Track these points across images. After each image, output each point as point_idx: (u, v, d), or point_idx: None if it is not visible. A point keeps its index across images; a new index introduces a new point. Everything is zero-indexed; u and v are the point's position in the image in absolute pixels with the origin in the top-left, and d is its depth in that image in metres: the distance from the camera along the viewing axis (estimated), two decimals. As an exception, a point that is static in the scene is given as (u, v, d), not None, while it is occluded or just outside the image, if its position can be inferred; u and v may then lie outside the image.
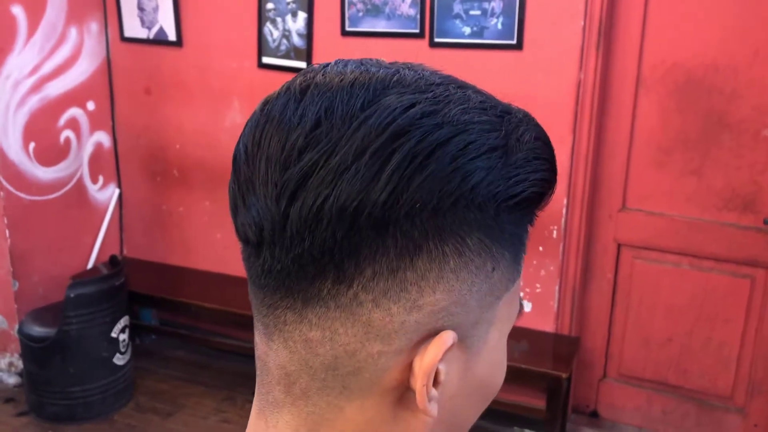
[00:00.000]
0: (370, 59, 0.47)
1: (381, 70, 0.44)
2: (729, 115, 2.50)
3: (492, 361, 0.48)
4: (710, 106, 2.53)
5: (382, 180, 0.40)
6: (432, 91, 0.43)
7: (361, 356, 0.43)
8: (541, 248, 2.78)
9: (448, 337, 0.43)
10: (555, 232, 2.74)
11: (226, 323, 3.34)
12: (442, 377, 0.44)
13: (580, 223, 2.72)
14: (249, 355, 3.50)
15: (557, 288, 2.79)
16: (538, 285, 2.82)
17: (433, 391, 0.44)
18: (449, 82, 0.45)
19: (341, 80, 0.43)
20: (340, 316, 0.43)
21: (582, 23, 2.53)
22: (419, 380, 0.43)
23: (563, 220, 2.72)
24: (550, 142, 0.46)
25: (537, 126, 0.46)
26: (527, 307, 2.86)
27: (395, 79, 0.43)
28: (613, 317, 2.87)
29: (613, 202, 2.75)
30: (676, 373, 2.80)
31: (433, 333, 0.44)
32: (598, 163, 2.72)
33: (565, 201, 2.70)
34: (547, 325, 2.84)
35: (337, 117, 0.41)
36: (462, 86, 0.45)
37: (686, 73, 2.54)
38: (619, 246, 2.79)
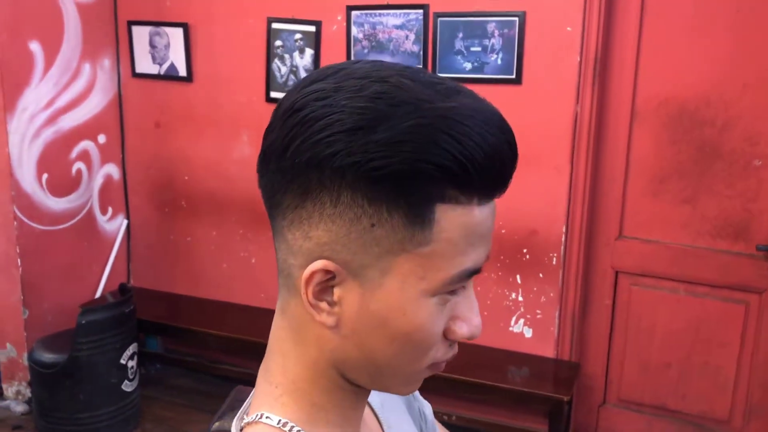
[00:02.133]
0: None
1: (348, 65, 0.58)
2: (721, 145, 2.61)
3: (391, 305, 0.57)
4: (703, 137, 2.64)
5: (281, 137, 0.56)
6: (341, 82, 0.55)
7: (287, 264, 0.60)
8: (541, 275, 2.86)
9: (319, 264, 0.57)
10: (555, 259, 2.82)
11: (231, 351, 3.39)
12: (335, 297, 0.58)
13: (579, 250, 2.80)
14: (253, 383, 3.53)
15: (557, 314, 2.86)
16: (538, 311, 2.89)
17: (322, 304, 0.58)
18: (371, 76, 0.55)
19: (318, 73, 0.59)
20: (278, 233, 0.60)
21: (578, 58, 2.65)
22: (301, 287, 0.58)
23: (562, 247, 2.80)
24: (434, 129, 0.53)
25: (424, 117, 0.53)
26: (527, 333, 2.92)
27: (338, 70, 0.57)
28: (612, 343, 2.93)
29: (611, 230, 2.84)
30: (675, 398, 2.86)
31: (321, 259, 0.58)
32: (596, 192, 2.82)
33: (563, 229, 2.79)
34: (548, 351, 2.90)
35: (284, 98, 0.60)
36: (378, 80, 0.55)
37: (679, 106, 2.65)
38: (616, 273, 2.87)
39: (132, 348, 3.00)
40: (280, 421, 0.61)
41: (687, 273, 2.74)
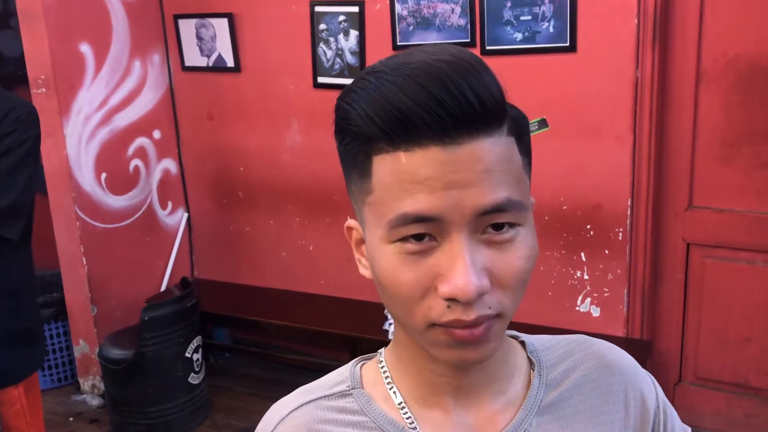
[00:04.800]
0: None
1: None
2: (798, 104, 2.41)
3: (371, 255, 0.62)
4: (777, 96, 2.44)
5: None
6: (382, 62, 0.60)
7: None
8: (607, 251, 2.73)
9: (348, 222, 0.68)
10: (621, 234, 2.69)
11: (295, 339, 3.40)
12: (363, 251, 0.65)
13: (646, 223, 2.66)
14: (318, 371, 3.54)
15: (626, 291, 2.73)
16: (606, 289, 2.77)
17: (362, 259, 0.66)
18: (413, 53, 0.59)
19: None
20: None
21: (636, 21, 2.49)
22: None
23: (629, 221, 2.66)
24: (386, 93, 0.56)
25: (388, 75, 0.56)
26: (595, 312, 2.80)
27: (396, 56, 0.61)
28: (686, 319, 2.78)
29: (680, 200, 2.68)
30: (758, 375, 2.69)
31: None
32: (662, 161, 2.66)
33: (629, 202, 2.64)
34: (618, 330, 2.78)
35: None
36: (406, 55, 0.59)
37: (750, 63, 2.46)
38: (688, 245, 2.71)
39: (196, 341, 3.04)
40: (382, 361, 0.72)
41: (765, 242, 2.56)
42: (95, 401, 3.28)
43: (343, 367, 0.74)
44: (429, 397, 0.68)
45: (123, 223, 3.31)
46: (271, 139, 3.34)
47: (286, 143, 3.30)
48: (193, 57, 3.39)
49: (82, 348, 3.30)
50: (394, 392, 0.69)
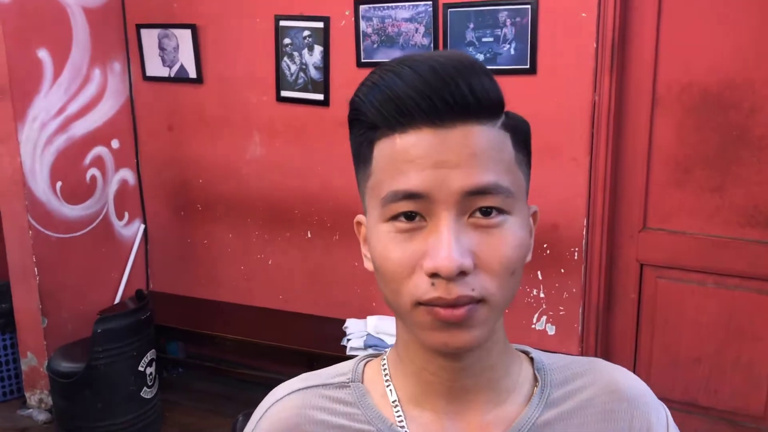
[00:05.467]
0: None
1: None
2: (748, 130, 2.49)
3: (369, 238, 0.66)
4: (728, 122, 2.52)
5: None
6: (393, 59, 0.64)
7: None
8: (563, 270, 2.77)
9: (357, 217, 0.71)
10: (576, 253, 2.73)
11: (251, 355, 3.36)
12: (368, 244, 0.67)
13: (602, 243, 2.71)
14: (272, 386, 3.50)
15: (581, 310, 2.77)
16: (561, 307, 2.81)
17: (363, 250, 0.69)
18: (419, 53, 0.64)
19: None
20: None
21: (595, 46, 2.55)
22: None
23: (584, 241, 2.71)
24: (386, 80, 0.61)
25: (392, 67, 0.61)
26: (550, 330, 2.84)
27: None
28: (639, 338, 2.83)
29: (634, 222, 2.74)
30: (707, 394, 2.75)
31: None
32: (617, 183, 2.72)
33: (585, 222, 2.69)
34: (572, 348, 2.82)
35: None
36: (415, 52, 0.68)
37: (702, 91, 2.54)
38: (641, 266, 2.77)
39: (150, 354, 2.98)
40: (385, 360, 0.74)
41: (715, 264, 2.63)
42: (42, 416, 3.19)
43: (349, 360, 0.76)
44: (422, 398, 0.70)
45: (77, 233, 3.24)
46: (232, 152, 3.32)
47: (247, 156, 3.29)
48: (155, 67, 3.36)
49: (29, 361, 3.21)
50: (391, 390, 0.71)
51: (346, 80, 2.96)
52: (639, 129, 2.66)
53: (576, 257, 2.74)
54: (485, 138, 0.61)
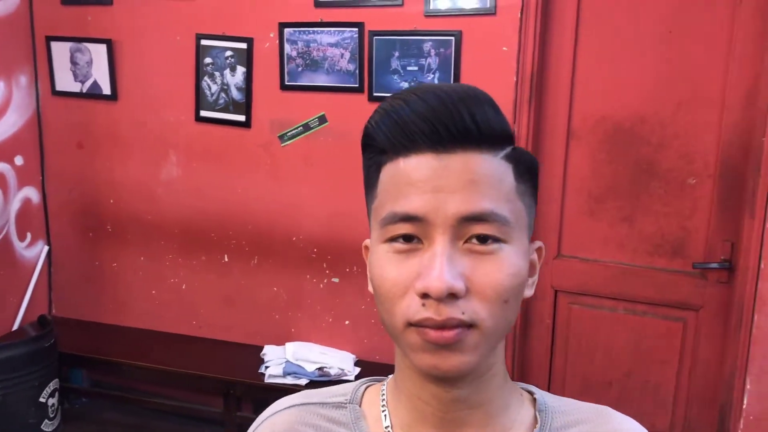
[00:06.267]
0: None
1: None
2: (657, 164, 2.63)
3: (370, 259, 0.67)
4: (639, 155, 2.65)
5: None
6: (407, 87, 0.70)
7: None
8: (482, 296, 2.81)
9: (365, 241, 0.71)
10: (495, 280, 2.78)
11: (162, 383, 3.22)
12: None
13: (519, 270, 2.77)
14: (185, 415, 3.39)
15: (499, 335, 2.82)
16: (480, 333, 2.85)
17: (369, 272, 0.68)
18: (431, 85, 0.66)
19: None
20: None
21: (515, 78, 2.63)
22: None
23: (503, 268, 2.77)
24: (395, 107, 0.63)
25: (403, 95, 0.64)
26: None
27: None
28: (553, 362, 2.91)
29: (549, 249, 2.83)
30: (616, 416, 2.85)
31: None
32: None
33: (504, 249, 2.75)
34: (490, 373, 2.86)
35: None
36: (432, 84, 0.66)
37: (615, 125, 2.66)
38: (556, 292, 2.85)
39: (53, 384, 2.81)
40: (385, 385, 0.74)
41: (626, 291, 2.75)
42: (-72, 452, 2.94)
43: (354, 382, 0.77)
44: (415, 426, 0.69)
45: (-26, 255, 3.04)
46: (147, 172, 3.20)
47: (162, 177, 3.18)
48: (66, 82, 3.21)
49: None
50: (386, 415, 0.71)
51: (269, 102, 2.93)
52: (555, 160, 2.75)
53: (495, 283, 2.79)
54: (485, 166, 0.62)
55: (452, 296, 0.59)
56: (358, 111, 2.79)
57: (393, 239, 0.63)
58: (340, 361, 2.92)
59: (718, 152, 2.55)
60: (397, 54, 2.71)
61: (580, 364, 2.87)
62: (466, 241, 0.61)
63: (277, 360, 2.92)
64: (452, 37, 2.64)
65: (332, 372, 2.84)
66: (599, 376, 2.85)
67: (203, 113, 3.04)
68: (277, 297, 3.10)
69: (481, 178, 0.61)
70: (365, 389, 0.76)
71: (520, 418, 0.71)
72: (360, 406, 0.74)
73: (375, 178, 0.66)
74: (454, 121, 0.61)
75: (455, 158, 0.61)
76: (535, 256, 0.69)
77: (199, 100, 3.03)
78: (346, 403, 0.74)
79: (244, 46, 2.91)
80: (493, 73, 2.65)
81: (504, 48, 2.62)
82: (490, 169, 0.62)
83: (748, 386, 2.46)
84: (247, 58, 2.92)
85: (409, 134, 0.62)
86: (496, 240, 0.62)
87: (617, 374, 2.82)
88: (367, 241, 0.71)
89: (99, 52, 3.12)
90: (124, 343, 3.25)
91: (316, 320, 3.08)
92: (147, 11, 3.05)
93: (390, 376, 0.74)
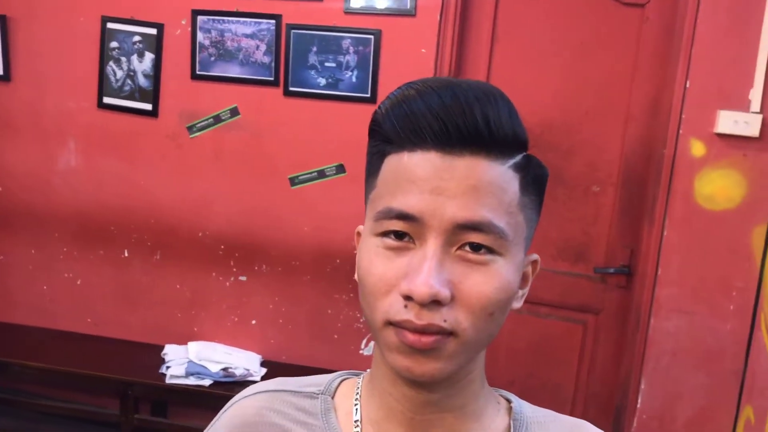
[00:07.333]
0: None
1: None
2: (564, 170, 2.72)
3: (359, 248, 0.66)
4: (547, 161, 2.69)
5: None
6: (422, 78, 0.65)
7: None
8: (392, 297, 2.82)
9: (359, 227, 0.69)
10: (406, 280, 2.80)
11: (54, 384, 3.03)
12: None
13: (430, 271, 2.79)
14: (79, 418, 3.20)
15: (408, 336, 2.84)
16: (389, 333, 2.85)
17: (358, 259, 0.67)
18: (442, 79, 0.63)
19: None
20: None
21: (432, 80, 2.65)
22: None
23: (414, 269, 2.78)
24: (407, 97, 0.61)
25: (417, 85, 0.61)
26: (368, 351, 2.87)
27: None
28: (459, 363, 2.95)
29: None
30: (518, 415, 2.93)
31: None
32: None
33: (415, 250, 2.77)
34: (398, 374, 2.87)
35: None
36: (443, 79, 0.63)
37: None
38: (465, 294, 2.90)
39: (-71, 386, 2.59)
40: (361, 379, 0.73)
41: (529, 293, 2.78)
42: None
43: (331, 374, 0.75)
44: (384, 423, 0.68)
45: None
46: (42, 160, 3.01)
47: (59, 165, 3.00)
48: (-48, 58, 2.97)
49: None
50: (357, 409, 0.70)
51: (179, 91, 2.82)
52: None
53: (405, 284, 2.80)
54: (491, 174, 0.59)
55: (436, 302, 0.58)
56: (273, 105, 2.73)
57: (385, 234, 0.61)
58: (246, 361, 2.85)
59: (621, 161, 2.66)
60: (315, 49, 2.67)
61: (486, 364, 2.92)
62: (459, 248, 0.59)
63: (179, 360, 2.81)
64: (372, 36, 2.63)
65: (237, 372, 2.76)
66: (503, 376, 2.91)
67: (107, 100, 2.88)
68: (180, 294, 2.99)
69: (484, 185, 0.59)
70: (341, 381, 0.74)
71: (495, 426, 0.70)
72: (333, 398, 0.72)
73: (377, 167, 0.64)
74: (465, 121, 0.58)
75: (461, 161, 0.59)
76: (529, 269, 0.69)
77: (103, 85, 2.88)
78: (318, 394, 0.72)
79: (153, 31, 2.79)
80: (412, 73, 2.66)
81: (423, 50, 2.64)
82: (495, 177, 0.60)
83: (642, 386, 2.59)
84: (156, 44, 2.79)
85: (417, 129, 0.60)
86: (490, 251, 0.60)
87: (520, 374, 2.90)
88: (360, 228, 0.69)
89: (-9, 28, 2.90)
90: (11, 341, 3.03)
91: (221, 319, 2.99)
92: (47, -12, 2.87)
93: (368, 371, 0.73)
